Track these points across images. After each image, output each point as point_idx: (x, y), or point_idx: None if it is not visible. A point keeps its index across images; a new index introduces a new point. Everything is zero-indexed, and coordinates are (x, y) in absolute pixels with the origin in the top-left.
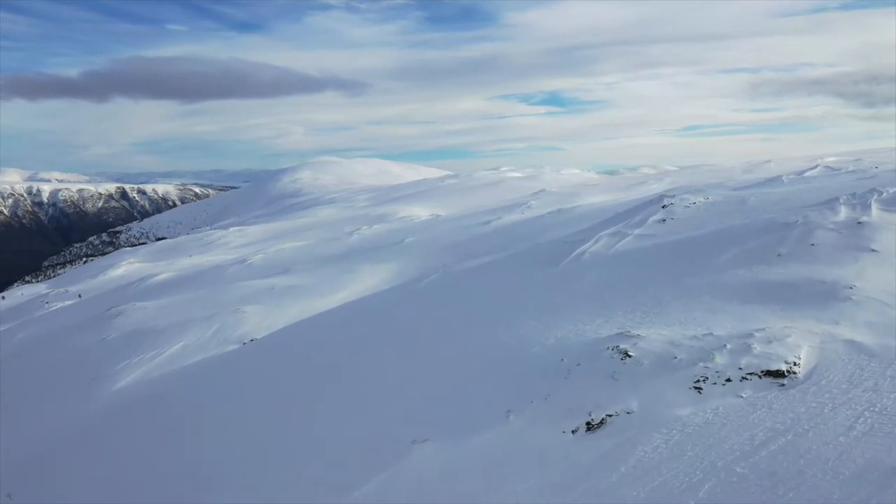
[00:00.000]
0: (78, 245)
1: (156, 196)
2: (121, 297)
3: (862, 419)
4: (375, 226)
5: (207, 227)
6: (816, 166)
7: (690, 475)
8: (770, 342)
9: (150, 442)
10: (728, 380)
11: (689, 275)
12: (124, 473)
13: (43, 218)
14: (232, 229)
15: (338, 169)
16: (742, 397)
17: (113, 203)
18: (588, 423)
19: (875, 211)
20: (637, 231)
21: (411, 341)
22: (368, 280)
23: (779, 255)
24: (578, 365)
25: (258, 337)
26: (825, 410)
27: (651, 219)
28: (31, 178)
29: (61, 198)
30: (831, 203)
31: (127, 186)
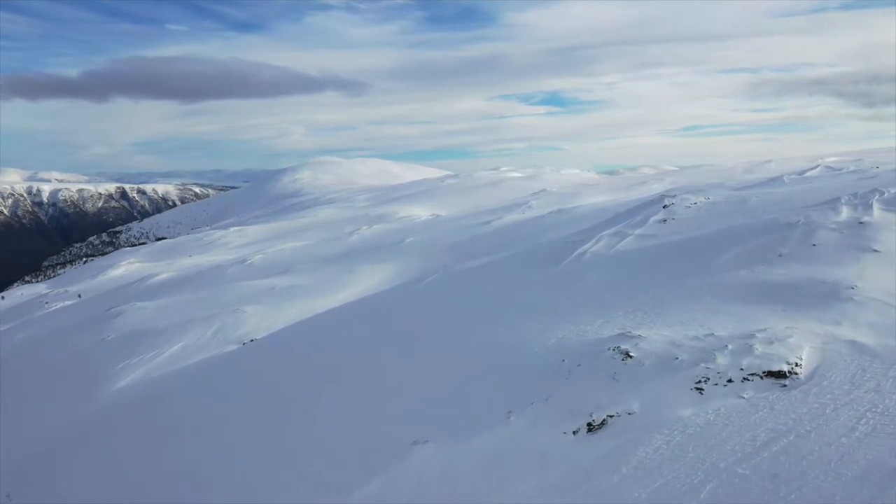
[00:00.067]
0: (78, 245)
1: (156, 196)
2: (120, 298)
3: (864, 420)
4: (375, 226)
5: (207, 227)
6: (817, 166)
7: (692, 476)
8: (772, 343)
9: (149, 442)
10: (730, 380)
11: (691, 275)
12: (124, 473)
13: (43, 218)
14: (232, 229)
15: (338, 169)
16: (744, 398)
17: (113, 203)
18: (589, 424)
19: (877, 211)
20: (638, 231)
21: (411, 342)
22: (368, 280)
23: (780, 256)
24: (579, 365)
25: (258, 337)
26: (827, 411)
27: (652, 219)
28: (31, 178)
29: (61, 198)
30: (833, 203)
31: (127, 186)
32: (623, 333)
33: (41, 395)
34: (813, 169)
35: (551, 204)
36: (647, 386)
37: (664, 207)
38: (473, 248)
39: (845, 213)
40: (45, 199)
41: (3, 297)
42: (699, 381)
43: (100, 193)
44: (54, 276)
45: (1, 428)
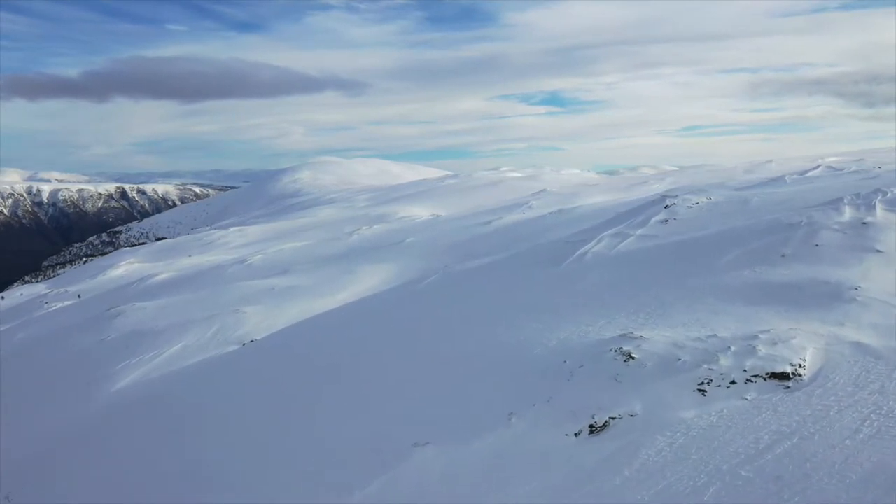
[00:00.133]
0: (78, 245)
1: (156, 196)
2: (120, 298)
3: (868, 422)
4: (375, 226)
5: (207, 227)
6: (818, 166)
7: (695, 479)
8: (775, 344)
9: (149, 442)
10: (732, 382)
11: (693, 276)
12: (124, 474)
13: (43, 218)
14: (232, 229)
15: (338, 169)
16: (747, 400)
17: (113, 203)
18: (591, 426)
19: (880, 211)
20: (639, 231)
21: (412, 342)
22: (369, 280)
23: (783, 256)
24: (581, 367)
25: (258, 338)
26: (831, 413)
27: (653, 219)
28: (30, 178)
29: (61, 198)
30: (835, 203)
31: (127, 186)
32: (625, 334)
33: (41, 395)
34: (814, 169)
35: (552, 204)
36: (650, 387)
37: (666, 207)
38: (474, 249)
39: (848, 213)
40: (44, 199)
41: (2, 297)
42: (702, 383)
43: (100, 193)
44: (54, 276)
45: (1, 428)
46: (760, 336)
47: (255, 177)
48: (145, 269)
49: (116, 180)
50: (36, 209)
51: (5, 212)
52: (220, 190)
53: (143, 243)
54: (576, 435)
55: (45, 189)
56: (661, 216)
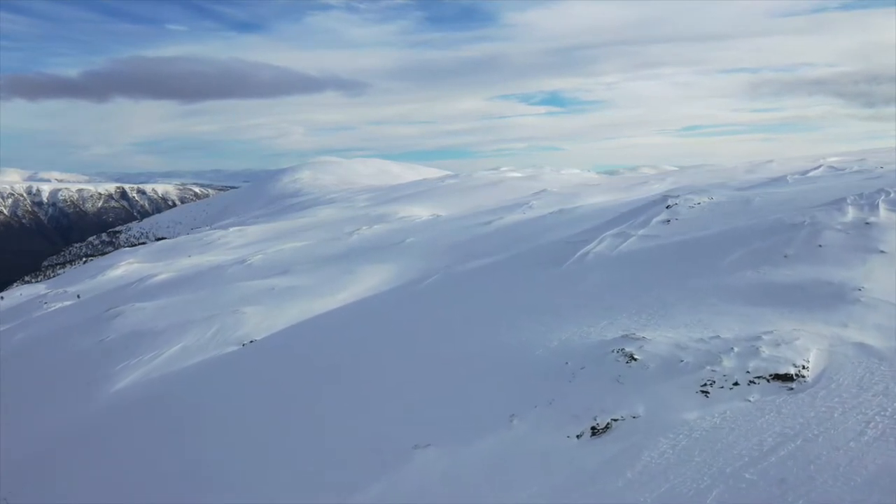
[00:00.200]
0: (77, 245)
1: (155, 196)
2: (119, 298)
3: (873, 424)
4: (376, 226)
5: (207, 227)
6: (820, 166)
7: (698, 481)
8: (778, 345)
9: (149, 442)
10: (735, 383)
11: (695, 276)
12: (124, 474)
13: (42, 218)
14: (232, 229)
15: (338, 169)
16: (750, 401)
17: (113, 203)
18: (593, 428)
19: (883, 211)
20: (641, 232)
21: (412, 343)
22: (369, 281)
23: (786, 257)
24: (583, 368)
25: (258, 338)
26: (835, 415)
27: (655, 219)
28: (30, 178)
29: (61, 198)
30: (838, 203)
31: (127, 186)
32: (627, 335)
33: (41, 395)
34: (816, 169)
35: (552, 204)
36: (652, 389)
37: (667, 208)
38: (474, 249)
39: (851, 213)
40: (44, 199)
41: (2, 298)
42: (705, 384)
43: (99, 193)
44: (54, 277)
45: (1, 428)
46: (763, 337)
47: (255, 177)
48: (145, 269)
49: (116, 180)
50: (36, 209)
51: (5, 212)
52: (220, 190)
53: (143, 243)
54: (578, 437)
55: (45, 189)
56: (663, 216)
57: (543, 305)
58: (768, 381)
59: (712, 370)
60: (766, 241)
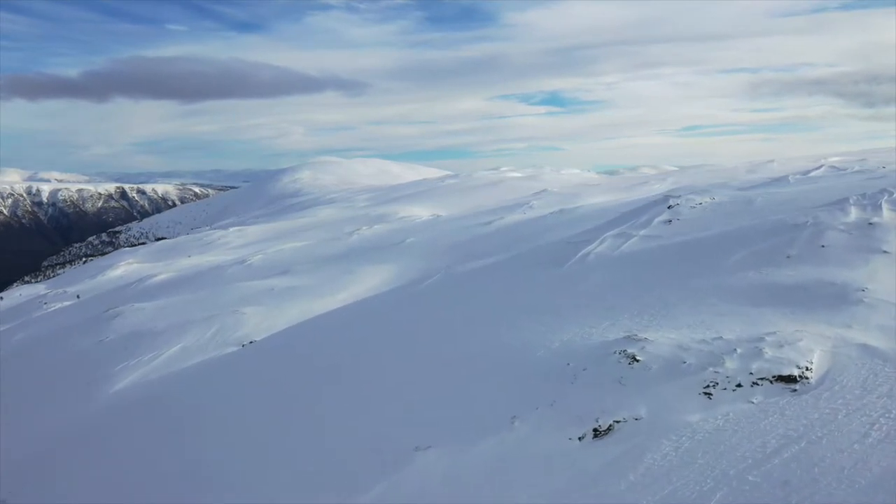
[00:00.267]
0: (77, 245)
1: (155, 196)
2: (119, 298)
3: (877, 426)
4: (376, 226)
5: (207, 227)
6: (821, 166)
7: (701, 483)
8: (781, 346)
9: (149, 443)
10: (738, 385)
11: (697, 277)
12: (124, 474)
13: (42, 218)
14: (231, 229)
15: (338, 169)
16: (753, 403)
17: (112, 203)
18: (595, 430)
19: (886, 212)
20: (642, 232)
21: (413, 343)
22: (369, 281)
23: (788, 257)
24: (585, 369)
25: (258, 339)
26: (839, 417)
27: (656, 219)
28: (30, 178)
29: (61, 198)
30: (841, 204)
31: (127, 186)
32: (629, 336)
33: (40, 395)
34: (817, 169)
35: (553, 204)
36: (655, 390)
37: (669, 208)
38: (475, 249)
39: (854, 213)
40: (44, 199)
41: (2, 298)
42: (707, 386)
43: (99, 193)
44: (54, 277)
45: (1, 428)
46: (766, 338)
47: (255, 177)
48: (144, 269)
49: (116, 180)
50: (36, 209)
51: (5, 212)
52: (219, 190)
53: (143, 243)
54: (580, 439)
55: (45, 189)
56: (665, 216)
57: (544, 306)
58: (771, 382)
59: (715, 371)
60: (768, 241)
